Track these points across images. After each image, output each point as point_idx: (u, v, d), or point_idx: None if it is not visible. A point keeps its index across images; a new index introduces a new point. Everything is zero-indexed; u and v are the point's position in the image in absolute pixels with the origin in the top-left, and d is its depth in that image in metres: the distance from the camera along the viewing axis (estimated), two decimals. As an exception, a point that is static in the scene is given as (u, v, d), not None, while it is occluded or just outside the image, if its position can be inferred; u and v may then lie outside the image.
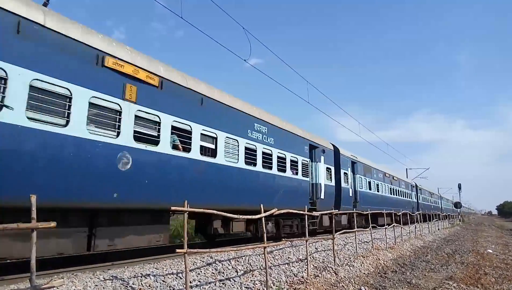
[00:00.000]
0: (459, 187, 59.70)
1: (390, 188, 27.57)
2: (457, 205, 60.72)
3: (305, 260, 8.85)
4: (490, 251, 18.27)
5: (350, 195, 19.10)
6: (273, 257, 9.14)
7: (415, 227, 22.51)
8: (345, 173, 18.47)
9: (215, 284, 6.60)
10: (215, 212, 6.23)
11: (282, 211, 7.94)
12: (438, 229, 30.64)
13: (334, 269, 9.46)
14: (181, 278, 6.32)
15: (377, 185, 24.41)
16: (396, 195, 29.46)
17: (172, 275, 6.43)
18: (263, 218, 7.14)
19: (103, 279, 5.69)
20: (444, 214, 46.21)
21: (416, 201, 37.79)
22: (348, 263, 10.53)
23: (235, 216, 6.67)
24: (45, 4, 6.32)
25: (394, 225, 17.78)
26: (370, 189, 22.67)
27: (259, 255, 8.85)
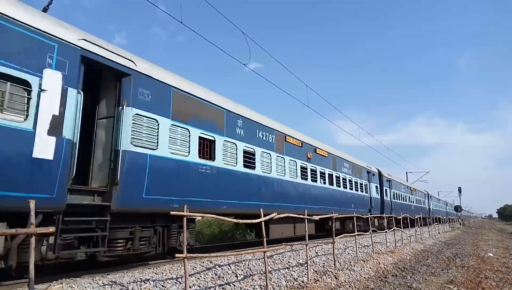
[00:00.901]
0: (459, 190, 59.63)
1: (302, 167, 14.67)
2: (458, 208, 60.62)
3: (305, 265, 8.83)
4: (491, 254, 18.24)
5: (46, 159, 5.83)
6: (273, 262, 9.12)
7: (415, 231, 22.44)
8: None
9: (214, 289, 6.58)
10: (213, 215, 6.21)
11: None
12: (439, 233, 30.57)
13: (334, 273, 9.43)
14: (180, 283, 6.30)
15: (250, 153, 11.33)
16: (321, 182, 16.39)
17: (171, 280, 6.41)
18: (263, 222, 7.12)
19: (102, 284, 5.66)
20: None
21: (379, 197, 24.97)
22: (349, 267, 10.49)
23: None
24: (45, 10, 6.34)
25: (394, 229, 17.72)
26: (209, 157, 9.63)
27: (259, 259, 8.82)
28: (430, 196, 47.27)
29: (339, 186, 18.32)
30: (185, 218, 5.34)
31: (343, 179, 18.86)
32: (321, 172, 16.38)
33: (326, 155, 17.34)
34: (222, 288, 6.71)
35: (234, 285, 6.96)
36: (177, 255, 5.24)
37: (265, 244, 7.10)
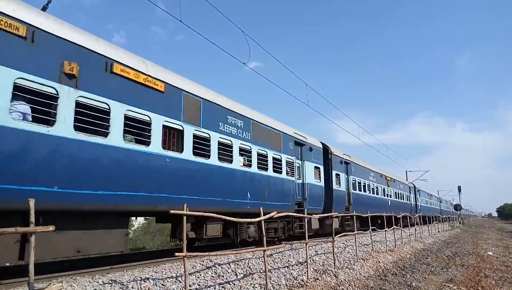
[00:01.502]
0: (459, 189, 59.65)
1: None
2: (457, 207, 60.66)
3: (305, 263, 8.83)
4: (491, 253, 18.27)
5: None
6: (272, 260, 9.12)
7: (415, 230, 22.46)
8: None
9: (214, 288, 6.57)
10: (213, 215, 6.21)
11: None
12: (438, 232, 30.61)
13: (334, 272, 9.43)
14: (180, 282, 6.30)
15: None
16: (149, 144, 7.40)
17: (171, 279, 6.41)
18: (263, 221, 7.13)
19: (102, 283, 5.66)
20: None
21: (322, 185, 15.96)
22: (348, 266, 10.50)
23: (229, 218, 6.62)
24: (44, 9, 6.34)
25: (394, 228, 17.73)
26: None
27: (258, 258, 8.83)
28: (418, 190, 39.21)
29: (209, 158, 9.22)
30: (184, 217, 5.34)
31: (225, 145, 9.96)
32: (141, 123, 7.44)
33: (163, 91, 7.99)
34: (222, 287, 6.71)
35: (234, 284, 6.96)
36: (176, 253, 5.23)
37: (264, 242, 7.11)
